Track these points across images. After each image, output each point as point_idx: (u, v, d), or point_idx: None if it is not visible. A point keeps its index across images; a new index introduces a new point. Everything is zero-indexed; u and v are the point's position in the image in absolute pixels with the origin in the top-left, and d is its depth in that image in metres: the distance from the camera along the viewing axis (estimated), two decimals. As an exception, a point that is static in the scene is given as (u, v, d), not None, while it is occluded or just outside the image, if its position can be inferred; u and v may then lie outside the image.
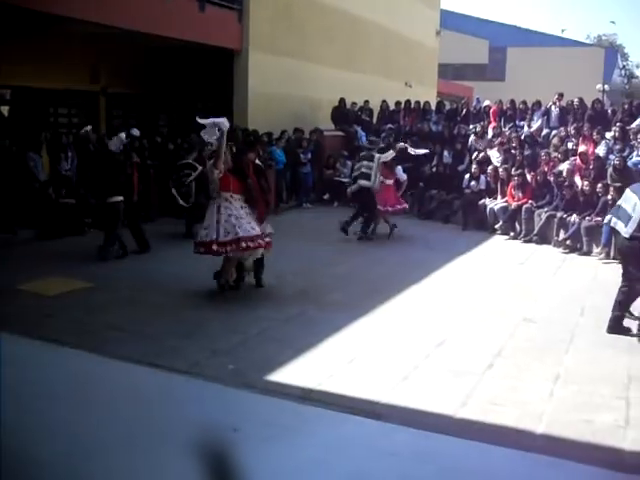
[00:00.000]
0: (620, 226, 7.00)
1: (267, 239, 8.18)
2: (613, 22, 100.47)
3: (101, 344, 6.04)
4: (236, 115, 16.38)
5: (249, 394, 5.19)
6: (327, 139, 17.04)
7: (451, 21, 37.09)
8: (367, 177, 11.75)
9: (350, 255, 10.73)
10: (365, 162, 11.84)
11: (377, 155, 11.74)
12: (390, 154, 11.84)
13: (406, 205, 12.90)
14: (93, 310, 7.37)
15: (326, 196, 16.02)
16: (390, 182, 12.21)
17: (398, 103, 18.33)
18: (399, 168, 12.70)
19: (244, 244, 7.82)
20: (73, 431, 3.06)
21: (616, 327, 7.05)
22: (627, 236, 6.86)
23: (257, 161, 8.70)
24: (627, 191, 7.21)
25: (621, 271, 7.28)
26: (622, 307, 7.11)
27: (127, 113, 17.49)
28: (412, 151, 12.92)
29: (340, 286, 8.73)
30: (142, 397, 3.73)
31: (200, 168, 9.82)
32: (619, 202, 7.30)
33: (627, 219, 6.90)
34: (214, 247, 7.82)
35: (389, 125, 16.68)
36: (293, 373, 5.78)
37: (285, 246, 9.97)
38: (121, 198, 9.84)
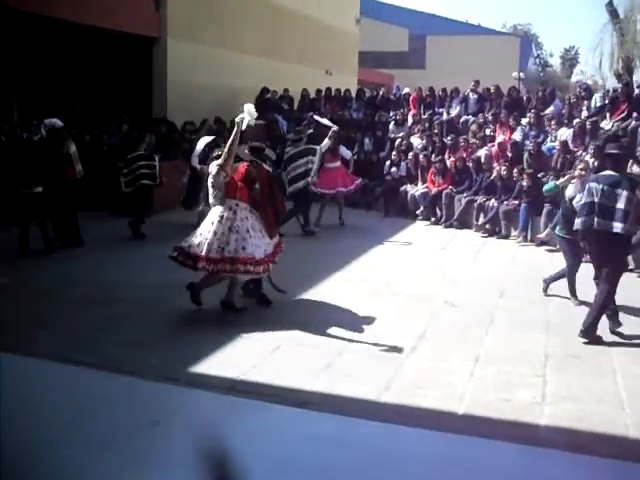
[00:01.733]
0: (612, 224, 6.57)
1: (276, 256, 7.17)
2: None
3: (16, 341, 5.83)
4: (155, 104, 16.10)
5: (171, 387, 5.09)
6: (248, 128, 16.87)
7: (371, 9, 37.27)
8: (307, 174, 11.34)
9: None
10: (310, 157, 11.42)
11: (318, 147, 11.44)
12: (327, 143, 11.55)
13: (359, 181, 12.82)
14: (8, 306, 7.12)
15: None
16: (337, 164, 12.22)
17: (319, 91, 18.36)
18: (342, 148, 12.72)
19: (242, 267, 6.71)
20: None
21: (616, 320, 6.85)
22: (622, 232, 6.50)
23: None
24: (598, 185, 6.65)
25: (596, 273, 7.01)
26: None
27: (41, 102, 16.94)
28: (319, 119, 12.81)
29: (264, 275, 8.69)
30: (59, 395, 3.61)
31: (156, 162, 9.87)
32: (588, 199, 6.68)
33: (619, 215, 6.51)
34: (200, 264, 6.72)
35: (310, 113, 16.67)
36: (216, 365, 5.72)
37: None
38: (39, 189, 9.47)
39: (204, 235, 6.80)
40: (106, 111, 15.36)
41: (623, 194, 6.52)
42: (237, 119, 7.14)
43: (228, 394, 5.11)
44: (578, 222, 6.73)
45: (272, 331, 6.54)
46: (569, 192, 7.78)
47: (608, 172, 6.77)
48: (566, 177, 8.46)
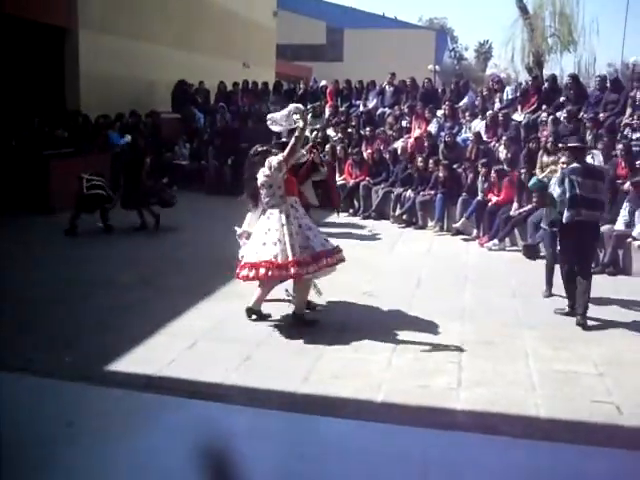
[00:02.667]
0: (596, 215, 6.95)
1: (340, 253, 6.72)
2: None
3: None
4: (68, 97, 15.67)
5: (87, 387, 4.99)
6: (164, 122, 16.65)
7: (289, 2, 37.22)
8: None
9: (193, 237, 10.57)
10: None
11: None
12: None
13: None
14: None
15: (165, 180, 15.64)
16: None
17: (236, 84, 18.24)
18: None
19: (324, 261, 6.41)
20: None
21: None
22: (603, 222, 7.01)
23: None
24: (577, 177, 6.86)
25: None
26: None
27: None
28: None
29: (181, 270, 8.59)
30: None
31: None
32: (573, 191, 6.84)
33: (599, 205, 6.96)
34: (292, 270, 6.23)
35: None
36: (133, 362, 5.61)
37: (120, 232, 9.75)
38: None
39: (283, 241, 6.30)
40: (16, 104, 14.85)
41: (598, 185, 6.88)
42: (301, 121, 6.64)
43: (145, 391, 5.04)
44: (567, 215, 6.86)
45: (189, 327, 6.47)
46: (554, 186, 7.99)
47: (577, 164, 7.00)
48: (547, 171, 8.72)
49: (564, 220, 6.89)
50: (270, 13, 27.81)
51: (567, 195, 6.84)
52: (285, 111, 6.89)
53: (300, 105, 7.03)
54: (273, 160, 6.49)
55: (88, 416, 4.23)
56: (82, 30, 15.54)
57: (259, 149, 6.72)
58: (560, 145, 7.97)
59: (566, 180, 6.89)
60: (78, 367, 5.43)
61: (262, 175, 6.52)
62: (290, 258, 6.22)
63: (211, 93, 18.42)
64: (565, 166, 7.10)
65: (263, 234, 6.45)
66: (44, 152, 12.53)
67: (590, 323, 6.80)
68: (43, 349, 5.84)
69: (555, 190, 6.95)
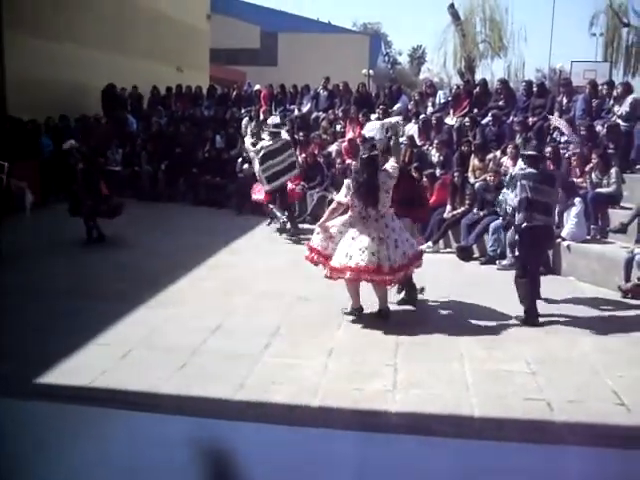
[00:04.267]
0: (548, 219, 7.15)
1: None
2: None
3: None
4: (-6, 101, 15.27)
5: (11, 401, 4.84)
6: (95, 126, 16.35)
7: (222, 5, 36.97)
8: (294, 165, 11.40)
9: (122, 246, 10.39)
10: (289, 151, 11.36)
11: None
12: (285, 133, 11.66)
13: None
14: None
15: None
16: None
17: (169, 88, 18.04)
18: None
19: (414, 266, 6.92)
20: None
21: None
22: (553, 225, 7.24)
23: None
24: (528, 182, 7.03)
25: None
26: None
27: None
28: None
29: (116, 277, 8.43)
30: None
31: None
32: (524, 195, 7.03)
33: (549, 209, 7.17)
34: (388, 277, 6.66)
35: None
36: (63, 373, 5.46)
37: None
38: None
39: (386, 246, 6.62)
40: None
41: (549, 189, 7.07)
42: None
43: (76, 403, 4.91)
44: (519, 217, 7.05)
45: (122, 335, 6.34)
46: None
47: (531, 170, 7.17)
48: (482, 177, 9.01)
49: (516, 222, 7.13)
50: (203, 16, 27.60)
51: (517, 199, 7.09)
52: (379, 124, 7.61)
53: (393, 119, 7.81)
54: (393, 166, 6.83)
55: (12, 431, 4.10)
56: (7, 31, 15.15)
57: (372, 153, 6.80)
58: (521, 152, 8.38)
59: (518, 184, 7.12)
60: (6, 381, 5.26)
61: (388, 179, 6.75)
62: (385, 263, 6.57)
63: (144, 97, 18.15)
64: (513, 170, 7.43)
65: (369, 239, 6.66)
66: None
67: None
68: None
69: (508, 194, 7.22)
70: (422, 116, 13.84)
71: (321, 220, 7.20)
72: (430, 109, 14.48)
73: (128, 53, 20.12)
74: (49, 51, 16.32)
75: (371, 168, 6.74)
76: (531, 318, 6.98)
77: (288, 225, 11.43)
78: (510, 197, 7.27)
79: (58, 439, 4.02)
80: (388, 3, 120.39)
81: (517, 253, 7.45)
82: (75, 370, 5.53)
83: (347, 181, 6.99)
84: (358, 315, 6.99)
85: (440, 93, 15.18)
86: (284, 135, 11.57)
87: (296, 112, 16.17)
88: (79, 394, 5.08)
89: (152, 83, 18.20)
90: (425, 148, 12.90)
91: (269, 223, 12.05)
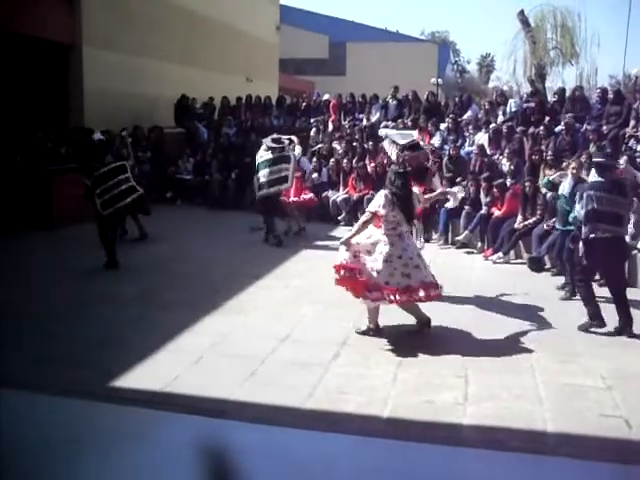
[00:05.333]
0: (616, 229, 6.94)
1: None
2: None
3: None
4: (72, 113, 15.76)
5: (90, 403, 4.97)
6: (168, 136, 16.70)
7: (291, 16, 37.35)
8: (285, 180, 11.24)
9: (191, 253, 10.54)
10: (283, 165, 11.21)
11: (292, 154, 11.32)
12: (298, 149, 11.71)
13: (311, 195, 12.60)
14: None
15: (169, 194, 15.68)
16: (297, 175, 11.88)
17: (239, 99, 18.28)
18: (303, 159, 12.65)
19: (421, 293, 6.43)
20: None
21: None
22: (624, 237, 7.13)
23: None
24: (596, 192, 6.89)
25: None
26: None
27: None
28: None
29: (181, 285, 8.56)
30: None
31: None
32: (591, 206, 6.88)
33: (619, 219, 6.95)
34: (386, 294, 6.38)
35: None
36: (137, 378, 5.58)
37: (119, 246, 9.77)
38: None
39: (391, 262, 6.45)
40: (20, 121, 14.90)
41: (618, 199, 6.88)
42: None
43: (149, 407, 5.01)
44: (585, 230, 6.92)
45: (194, 342, 6.43)
46: (563, 189, 8.45)
47: (598, 179, 7.06)
48: (557, 173, 9.13)
49: (582, 236, 6.96)
50: (273, 28, 27.92)
51: (583, 211, 6.92)
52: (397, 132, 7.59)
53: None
54: (419, 195, 6.93)
55: (93, 433, 4.20)
56: (86, 47, 15.64)
57: (407, 169, 6.86)
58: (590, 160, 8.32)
59: (584, 196, 6.96)
60: (82, 383, 5.40)
61: (417, 200, 6.77)
62: (382, 282, 6.38)
63: (215, 108, 18.45)
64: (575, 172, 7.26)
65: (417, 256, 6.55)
66: (48, 168, 12.58)
67: (598, 337, 6.77)
68: (46, 365, 5.80)
69: (575, 207, 7.11)
70: (492, 125, 13.67)
71: (350, 234, 6.70)
72: (501, 118, 14.29)
73: (199, 65, 20.49)
74: (123, 65, 16.76)
75: (407, 182, 6.64)
76: (597, 321, 6.89)
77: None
78: (576, 209, 7.09)
79: (131, 441, 4.08)
80: (456, 11, 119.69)
81: (584, 263, 7.24)
82: (148, 375, 5.63)
83: (385, 192, 6.57)
84: (374, 334, 6.69)
85: (511, 102, 14.97)
86: (290, 151, 11.48)
87: (365, 122, 16.17)
88: (152, 399, 5.17)
89: (222, 94, 18.48)
90: (495, 157, 12.73)
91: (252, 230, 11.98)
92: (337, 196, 13.47)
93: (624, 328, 6.87)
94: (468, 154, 13.29)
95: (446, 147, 13.65)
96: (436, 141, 13.99)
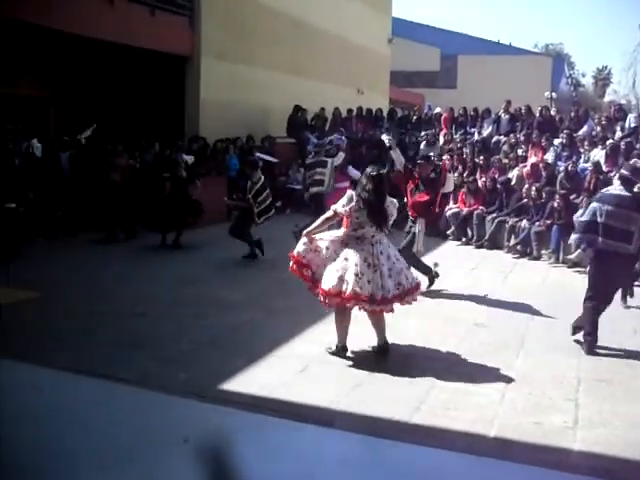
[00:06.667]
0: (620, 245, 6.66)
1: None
2: None
3: (46, 355, 5.89)
4: (187, 122, 16.29)
5: (200, 404, 5.10)
6: (279, 146, 17.01)
7: (403, 29, 37.36)
8: (321, 183, 11.56)
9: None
10: (319, 169, 11.61)
11: (330, 160, 11.55)
12: (341, 156, 11.75)
13: None
14: (38, 320, 7.21)
15: (278, 203, 15.94)
16: (345, 184, 11.41)
17: (350, 110, 18.41)
18: (350, 168, 12.69)
19: (409, 299, 6.39)
20: (13, 445, 2.95)
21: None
22: (634, 252, 6.70)
23: None
24: (604, 206, 6.71)
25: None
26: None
27: (77, 120, 17.19)
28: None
29: (290, 292, 8.68)
30: (89, 409, 3.63)
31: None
32: (592, 218, 6.76)
33: (627, 235, 6.61)
34: (379, 307, 6.20)
35: (335, 135, 16.66)
36: (245, 381, 5.71)
37: (234, 253, 10.01)
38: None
39: (383, 274, 6.18)
40: (139, 129, 15.55)
41: (632, 215, 6.62)
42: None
43: (255, 412, 5.11)
44: (573, 237, 7.09)
45: (300, 350, 6.52)
46: None
47: (612, 192, 6.88)
48: None
49: (569, 241, 6.98)
50: (385, 40, 28.00)
51: (584, 219, 6.84)
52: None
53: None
54: (392, 201, 6.43)
55: (201, 433, 4.33)
56: (203, 58, 16.15)
57: (382, 171, 6.45)
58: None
59: (592, 204, 6.83)
60: (192, 384, 5.58)
61: (392, 207, 6.40)
62: (378, 292, 6.07)
63: (327, 119, 18.65)
64: None
65: (365, 265, 6.12)
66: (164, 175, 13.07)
67: None
68: (158, 364, 6.04)
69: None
70: (610, 141, 13.23)
71: (309, 228, 6.50)
72: (619, 134, 13.82)
73: (310, 76, 20.79)
74: (237, 75, 17.22)
75: (380, 187, 6.22)
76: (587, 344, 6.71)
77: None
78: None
79: (240, 443, 4.19)
80: (572, 23, 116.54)
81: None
82: (255, 380, 5.75)
83: (351, 192, 6.37)
84: (344, 355, 6.37)
85: (630, 116, 14.47)
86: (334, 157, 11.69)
87: (476, 136, 15.98)
88: (258, 403, 5.27)
89: (333, 105, 18.68)
90: (612, 175, 12.31)
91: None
92: (446, 210, 13.35)
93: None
94: (583, 170, 12.91)
95: (560, 163, 13.33)
96: (549, 157, 13.68)
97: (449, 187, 9.33)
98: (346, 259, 6.14)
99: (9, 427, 3.23)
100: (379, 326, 6.46)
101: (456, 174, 13.70)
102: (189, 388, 5.39)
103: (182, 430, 4.27)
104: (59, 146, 13.04)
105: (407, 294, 6.28)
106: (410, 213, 8.92)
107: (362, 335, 6.87)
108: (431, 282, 9.01)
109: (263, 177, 10.77)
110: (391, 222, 6.42)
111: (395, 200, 6.53)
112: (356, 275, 6.01)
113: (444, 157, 11.36)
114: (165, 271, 9.82)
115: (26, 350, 6.03)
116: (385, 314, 6.37)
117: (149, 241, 11.76)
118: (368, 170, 6.35)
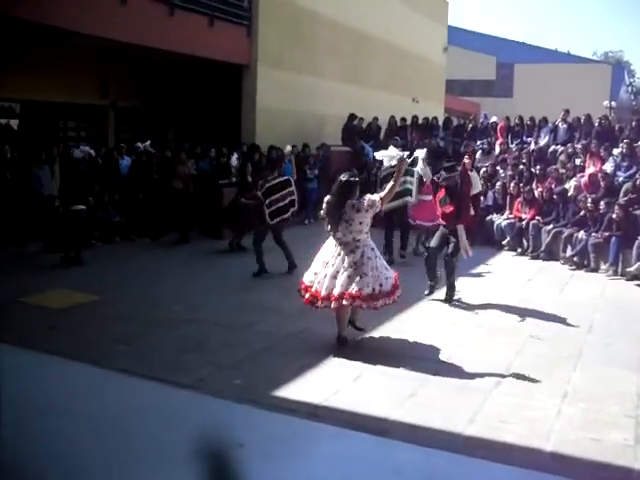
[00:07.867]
0: None
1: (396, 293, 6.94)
2: None
3: (104, 357, 6.02)
4: (244, 130, 16.45)
5: (255, 409, 5.14)
6: (334, 155, 17.03)
7: (458, 37, 37.20)
8: (410, 192, 10.76)
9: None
10: (408, 177, 10.54)
11: (416, 169, 10.42)
12: (423, 168, 10.37)
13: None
14: (97, 323, 7.36)
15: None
16: (429, 198, 10.56)
17: (403, 119, 18.35)
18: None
19: (382, 302, 6.75)
20: (74, 446, 3.02)
21: None
22: None
23: None
24: None
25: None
26: None
27: (135, 127, 17.55)
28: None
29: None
30: (146, 412, 3.69)
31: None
32: None
33: None
34: (364, 303, 6.67)
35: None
36: (299, 389, 5.74)
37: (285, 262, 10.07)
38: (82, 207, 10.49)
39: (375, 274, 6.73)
40: (196, 136, 15.77)
41: None
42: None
43: (309, 419, 5.12)
44: None
45: (354, 359, 6.51)
46: None
47: None
48: None
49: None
50: (440, 49, 27.88)
51: None
52: (395, 152, 7.37)
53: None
54: (370, 199, 6.73)
55: (256, 438, 4.35)
56: (260, 66, 16.31)
57: (351, 179, 6.83)
58: None
59: None
60: (246, 389, 5.62)
61: (351, 210, 6.64)
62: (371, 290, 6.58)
63: (381, 128, 18.64)
64: None
65: (344, 265, 6.65)
66: (219, 181, 13.27)
67: None
68: (213, 369, 6.10)
69: None
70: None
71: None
72: (682, 144, 13.49)
73: (365, 84, 20.81)
74: (292, 83, 17.35)
75: (341, 195, 6.71)
76: None
77: None
78: None
79: (291, 450, 4.20)
80: (632, 29, 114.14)
81: None
82: (309, 387, 5.77)
83: (327, 198, 6.97)
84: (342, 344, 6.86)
85: (694, 127, 14.11)
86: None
87: (533, 145, 15.77)
88: (312, 411, 5.28)
89: (388, 113, 18.64)
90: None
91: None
92: (502, 220, 13.19)
93: None
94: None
95: (619, 173, 13.07)
96: (608, 167, 13.41)
97: (477, 187, 9.38)
98: (326, 262, 6.80)
99: (78, 428, 3.31)
100: (342, 320, 6.91)
101: (512, 184, 13.55)
102: (243, 394, 5.43)
103: (238, 435, 4.33)
104: (118, 153, 13.31)
105: (387, 295, 6.71)
106: (444, 223, 8.87)
107: (422, 344, 6.86)
108: (431, 291, 9.17)
109: (284, 179, 10.45)
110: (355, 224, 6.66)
111: (367, 199, 6.74)
112: (315, 274, 6.78)
113: (465, 160, 10.65)
114: (221, 277, 9.92)
115: (86, 351, 6.17)
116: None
117: (203, 246, 11.94)
118: (340, 176, 6.89)
